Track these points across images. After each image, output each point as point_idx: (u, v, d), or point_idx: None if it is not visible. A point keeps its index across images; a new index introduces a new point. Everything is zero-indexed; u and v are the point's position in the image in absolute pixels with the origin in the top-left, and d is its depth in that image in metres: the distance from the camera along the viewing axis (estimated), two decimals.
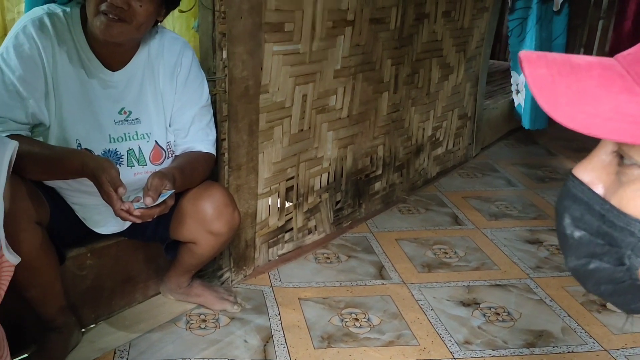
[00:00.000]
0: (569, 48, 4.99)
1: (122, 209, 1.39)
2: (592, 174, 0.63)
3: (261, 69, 2.02)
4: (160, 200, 1.41)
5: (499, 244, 2.58)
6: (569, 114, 0.55)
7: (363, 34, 2.48)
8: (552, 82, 0.57)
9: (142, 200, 1.43)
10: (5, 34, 4.02)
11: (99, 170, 1.38)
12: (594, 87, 0.56)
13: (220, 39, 1.86)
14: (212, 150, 1.73)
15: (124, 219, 1.42)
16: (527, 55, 0.60)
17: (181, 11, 1.84)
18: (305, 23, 2.15)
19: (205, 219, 1.63)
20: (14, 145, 1.23)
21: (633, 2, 4.36)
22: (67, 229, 1.61)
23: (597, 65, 0.58)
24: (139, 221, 1.42)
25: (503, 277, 2.30)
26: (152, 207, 1.41)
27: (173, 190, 1.43)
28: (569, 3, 3.69)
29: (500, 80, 4.85)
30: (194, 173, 1.63)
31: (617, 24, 4.59)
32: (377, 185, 2.90)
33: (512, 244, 2.58)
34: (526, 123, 3.42)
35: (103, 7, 1.44)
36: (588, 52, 5.25)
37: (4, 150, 1.21)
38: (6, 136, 1.43)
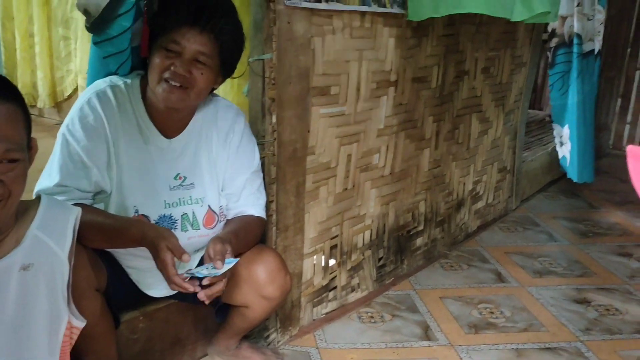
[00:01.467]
0: (606, 98, 4.97)
1: (175, 278, 1.41)
2: None
3: (308, 131, 2.06)
4: (226, 268, 1.43)
5: (545, 303, 2.53)
6: None
7: (405, 93, 2.52)
8: None
9: (205, 266, 1.45)
10: (54, 91, 4.18)
11: (159, 239, 1.42)
12: None
13: (269, 104, 1.91)
14: (263, 214, 1.76)
15: (177, 288, 1.44)
16: (634, 150, 0.61)
17: (232, 77, 1.90)
18: (350, 86, 2.19)
19: (259, 283, 1.64)
20: (77, 211, 1.28)
21: None
22: (122, 292, 1.64)
23: None
24: (194, 290, 1.43)
25: (552, 339, 2.25)
26: (216, 277, 1.43)
27: (237, 260, 1.45)
28: (601, 55, 3.69)
29: (537, 130, 4.84)
30: (247, 237, 1.66)
31: None
32: (419, 241, 2.89)
33: (559, 304, 2.53)
34: (573, 176, 3.38)
35: (166, 74, 1.50)
36: (625, 102, 5.23)
37: (69, 215, 1.26)
38: (73, 204, 1.49)
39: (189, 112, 1.66)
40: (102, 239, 1.46)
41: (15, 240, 1.16)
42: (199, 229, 1.67)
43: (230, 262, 1.44)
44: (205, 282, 1.44)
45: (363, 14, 2.16)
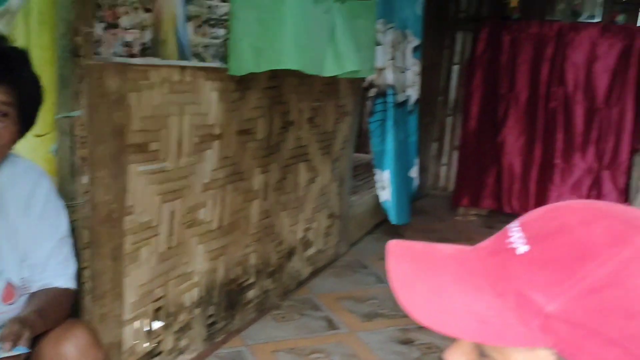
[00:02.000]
0: (423, 143, 5.35)
1: None
2: (460, 359, 0.65)
3: (125, 190, 1.95)
4: (14, 352, 1.28)
5: (373, 347, 2.61)
6: (425, 311, 0.57)
7: (231, 145, 2.50)
8: (412, 279, 0.59)
9: None
10: None
11: None
12: (450, 283, 0.59)
13: (80, 164, 1.78)
14: (72, 284, 1.61)
15: None
16: (393, 247, 0.62)
17: (37, 135, 1.75)
18: (171, 141, 2.13)
19: None
20: None
21: (475, 104, 4.79)
22: None
23: (455, 259, 0.61)
24: None
25: None
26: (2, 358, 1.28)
27: (28, 350, 1.30)
28: (419, 103, 3.99)
29: (364, 174, 5.06)
30: (55, 313, 1.51)
31: (464, 121, 5.00)
32: (251, 294, 2.85)
33: (386, 347, 2.62)
34: (393, 218, 3.57)
35: None
36: (440, 145, 5.66)
37: None
38: None
39: None
40: None
41: None
42: None
43: (17, 350, 1.30)
44: None
45: (183, 68, 2.12)
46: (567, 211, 0.60)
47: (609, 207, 0.60)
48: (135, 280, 2.06)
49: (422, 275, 0.60)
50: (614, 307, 0.52)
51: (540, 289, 0.54)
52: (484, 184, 4.77)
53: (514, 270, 0.57)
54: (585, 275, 0.53)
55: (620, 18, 4.49)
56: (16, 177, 1.55)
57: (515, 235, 0.59)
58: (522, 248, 0.57)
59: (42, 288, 1.56)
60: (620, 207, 0.60)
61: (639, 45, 4.28)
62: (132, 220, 2.00)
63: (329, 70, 2.38)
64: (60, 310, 1.54)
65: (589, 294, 0.53)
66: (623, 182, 4.38)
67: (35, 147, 1.93)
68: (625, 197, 4.35)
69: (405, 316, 2.37)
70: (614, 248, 0.54)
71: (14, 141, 1.48)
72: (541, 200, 4.61)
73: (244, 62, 2.26)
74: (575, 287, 0.53)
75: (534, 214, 0.62)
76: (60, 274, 1.59)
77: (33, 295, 1.55)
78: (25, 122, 1.49)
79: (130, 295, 2.05)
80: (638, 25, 4.50)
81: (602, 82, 4.37)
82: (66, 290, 1.59)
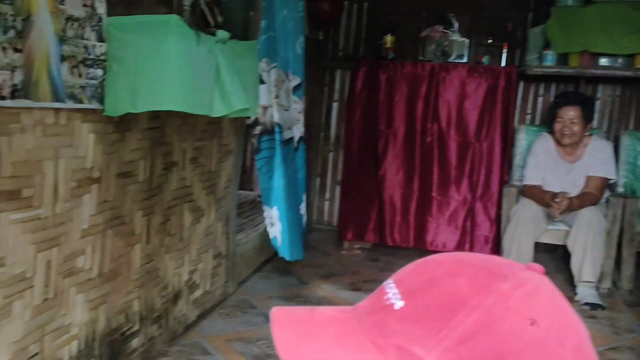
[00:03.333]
0: (308, 179, 5.44)
1: None
2: None
3: None
4: None
5: None
6: None
7: (110, 189, 2.41)
8: (296, 344, 0.61)
9: None
10: None
11: None
12: (332, 345, 0.60)
13: None
14: None
15: None
16: (276, 315, 0.63)
17: None
18: (46, 186, 2.02)
19: None
20: None
21: (355, 140, 4.95)
22: None
23: (336, 320, 0.63)
24: None
25: None
26: None
27: None
28: (304, 141, 4.06)
29: (249, 211, 5.04)
30: None
31: (345, 157, 5.14)
32: (135, 342, 2.73)
33: None
34: (285, 254, 3.57)
35: None
36: (323, 180, 5.77)
37: None
38: None
39: None
40: None
41: None
42: None
43: None
44: None
45: (57, 110, 2.03)
46: (434, 265, 0.64)
47: (472, 258, 0.65)
48: (8, 337, 1.92)
49: (306, 340, 0.61)
50: (485, 352, 0.55)
51: (418, 342, 0.57)
52: (367, 217, 4.90)
53: (392, 325, 0.59)
54: (456, 325, 0.56)
55: (485, 59, 4.85)
56: None
57: (391, 291, 0.62)
58: (398, 304, 0.60)
59: None
60: (482, 257, 0.65)
61: (502, 84, 4.63)
62: (3, 272, 1.87)
63: (218, 110, 2.37)
64: None
65: (461, 342, 0.56)
66: (494, 212, 4.67)
67: None
68: (496, 226, 4.64)
69: None
70: (478, 297, 0.58)
71: None
72: (421, 233, 4.81)
73: (120, 103, 2.19)
74: (448, 337, 0.56)
75: (406, 270, 0.66)
76: None
77: None
78: None
79: (2, 354, 1.89)
80: (502, 65, 4.86)
81: (472, 118, 4.66)
82: None
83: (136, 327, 2.73)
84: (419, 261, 0.66)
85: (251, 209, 5.13)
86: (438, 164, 4.73)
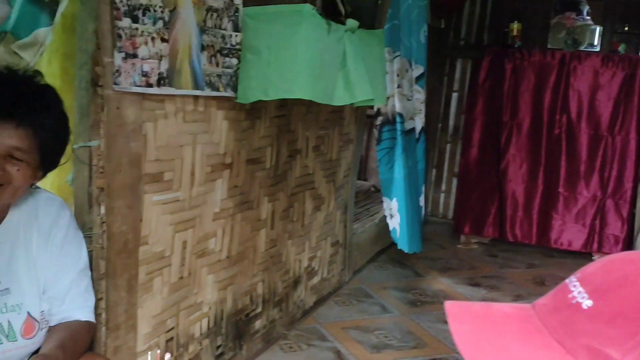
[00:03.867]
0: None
1: None
2: None
3: (141, 220, 1.94)
4: None
5: None
6: None
7: (240, 175, 2.49)
8: (477, 339, 0.59)
9: None
10: None
11: None
12: (515, 342, 0.58)
13: (97, 194, 1.77)
14: (91, 317, 1.59)
15: None
16: (452, 309, 0.62)
17: None
18: (184, 170, 2.12)
19: None
20: None
21: (476, 131, 4.81)
22: None
23: (516, 318, 0.61)
24: None
25: None
26: None
27: None
28: (424, 132, 4.00)
29: (364, 201, 5.05)
30: (75, 348, 1.48)
31: (464, 149, 5.01)
32: (258, 324, 2.82)
33: None
34: (404, 247, 3.54)
35: None
36: (439, 172, 5.67)
37: None
38: None
39: (2, 208, 1.48)
40: None
41: None
42: (16, 341, 1.46)
43: None
44: None
45: (196, 97, 2.12)
46: (622, 263, 0.61)
47: None
48: (148, 311, 2.04)
49: (486, 336, 0.59)
50: None
51: (613, 344, 0.54)
52: (486, 211, 4.76)
53: (581, 325, 0.57)
54: None
55: (621, 47, 4.55)
56: (37, 210, 1.54)
57: (576, 290, 0.60)
58: (586, 303, 0.58)
59: (61, 321, 1.54)
60: None
61: None
62: (146, 250, 1.98)
63: (340, 99, 2.39)
64: (81, 344, 1.52)
65: None
66: (627, 210, 4.39)
67: (52, 177, 1.92)
68: (628, 226, 4.36)
69: (414, 347, 2.37)
70: None
71: (31, 182, 1.47)
72: (544, 229, 4.61)
73: (253, 91, 2.26)
74: None
75: (591, 268, 0.63)
76: (79, 306, 1.56)
77: (53, 328, 1.52)
78: (46, 164, 1.47)
79: (144, 327, 2.02)
80: None
81: (605, 110, 4.39)
82: (86, 323, 1.56)
83: (259, 310, 2.82)
84: (604, 259, 0.63)
85: (366, 199, 5.14)
86: (566, 158, 4.51)
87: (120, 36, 1.71)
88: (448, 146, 5.62)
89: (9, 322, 1.46)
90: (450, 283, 3.95)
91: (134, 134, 1.85)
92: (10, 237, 1.49)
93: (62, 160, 1.76)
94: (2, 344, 1.45)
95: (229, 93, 2.27)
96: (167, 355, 2.18)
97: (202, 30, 2.08)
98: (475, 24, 5.41)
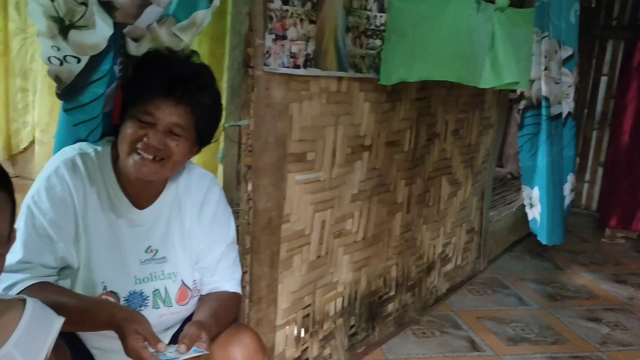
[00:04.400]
0: None
1: None
2: None
3: (284, 199, 1.99)
4: (190, 354, 1.32)
5: None
6: None
7: (379, 157, 2.48)
8: None
9: (172, 347, 1.33)
10: (9, 143, 4.01)
11: (128, 322, 1.30)
12: None
13: (245, 172, 1.83)
14: (239, 289, 1.66)
15: None
16: None
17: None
18: (326, 151, 2.14)
19: None
20: (59, 324, 1.16)
21: (628, 117, 4.46)
22: None
23: None
24: None
25: None
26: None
27: (205, 352, 1.34)
28: (573, 117, 3.76)
29: (500, 188, 4.86)
30: (226, 317, 1.55)
31: (613, 136, 4.67)
32: (390, 307, 2.81)
33: None
34: (543, 238, 3.37)
35: (139, 146, 1.41)
36: (583, 161, 5.33)
37: (49, 332, 1.13)
38: (36, 283, 1.36)
39: (161, 181, 1.57)
40: (68, 323, 1.33)
41: None
42: (171, 306, 1.56)
43: (196, 352, 1.33)
44: None
45: (340, 79, 2.13)
46: None
47: None
48: (288, 287, 2.09)
49: None
50: None
51: None
52: (635, 204, 4.42)
53: None
54: None
55: None
56: (191, 184, 1.62)
57: None
58: None
59: (211, 291, 1.62)
60: None
61: None
62: (288, 228, 2.03)
63: (486, 81, 2.30)
64: (230, 314, 1.59)
65: None
66: None
67: (203, 154, 2.02)
68: None
69: (554, 342, 2.24)
70: None
71: (188, 157, 1.54)
72: None
73: (395, 72, 2.23)
74: None
75: None
76: (228, 278, 1.63)
77: (204, 298, 1.60)
78: (202, 140, 1.54)
79: (283, 302, 2.08)
80: None
81: None
82: (234, 294, 1.63)
83: (392, 293, 2.81)
84: None
85: (502, 186, 4.95)
86: None
87: (271, 18, 1.76)
88: (594, 133, 5.27)
89: (165, 288, 1.55)
90: (593, 278, 3.72)
91: (280, 114, 1.89)
92: (167, 209, 1.58)
93: (214, 138, 1.84)
94: (159, 308, 1.54)
95: (372, 74, 2.26)
96: (305, 331, 2.24)
97: (348, 11, 2.08)
98: (630, 2, 4.99)
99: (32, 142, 3.76)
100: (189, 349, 1.32)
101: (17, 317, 1.08)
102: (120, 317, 1.33)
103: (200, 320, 1.42)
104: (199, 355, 1.32)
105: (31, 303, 1.12)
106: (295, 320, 2.18)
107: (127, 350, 1.32)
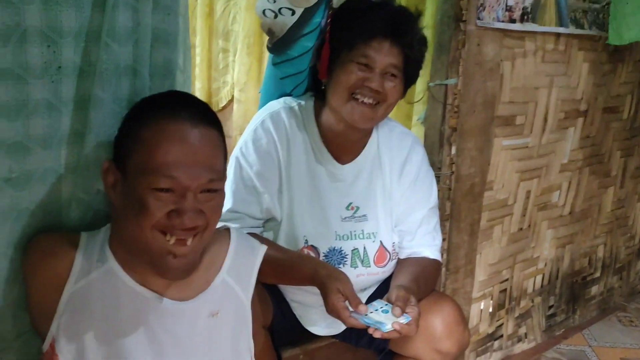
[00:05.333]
0: None
1: (352, 320, 1.27)
2: None
3: (488, 164, 1.86)
4: (402, 320, 1.26)
5: None
6: None
7: (594, 124, 2.24)
8: None
9: (379, 304, 1.29)
10: (209, 102, 4.27)
11: (331, 280, 1.29)
12: None
13: (449, 134, 1.74)
14: (438, 256, 1.58)
15: (355, 327, 1.29)
16: None
17: (409, 102, 1.75)
18: (537, 115, 1.97)
19: (434, 336, 1.46)
20: (262, 251, 1.18)
21: None
22: (284, 328, 1.54)
23: None
24: (377, 335, 1.28)
25: None
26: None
27: (410, 318, 1.28)
28: None
29: None
30: (426, 285, 1.49)
31: None
32: (594, 290, 2.57)
33: None
34: None
35: (357, 91, 1.38)
36: None
37: (256, 257, 1.16)
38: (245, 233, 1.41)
39: (365, 135, 1.53)
40: (273, 275, 1.35)
41: (205, 281, 1.08)
42: (369, 267, 1.52)
43: (406, 319, 1.27)
44: (376, 335, 1.28)
45: (557, 35, 1.93)
46: None
47: None
48: (486, 258, 1.98)
49: None
50: None
51: None
52: None
53: None
54: None
55: None
56: (392, 142, 1.56)
57: None
58: None
59: (410, 256, 1.56)
60: None
61: None
62: (490, 196, 1.91)
63: None
64: (430, 282, 1.52)
65: None
66: None
67: (405, 114, 1.95)
68: None
69: None
70: None
71: (399, 99, 1.48)
72: None
73: (629, 30, 1.97)
74: None
75: None
76: (428, 244, 1.56)
77: (404, 262, 1.55)
78: (406, 85, 1.47)
79: (480, 274, 1.97)
80: None
81: None
82: (435, 261, 1.56)
83: (597, 274, 2.56)
84: None
85: None
86: None
87: None
88: None
89: (364, 247, 1.52)
90: None
91: (491, 73, 1.76)
92: (369, 166, 1.54)
93: (418, 97, 1.76)
94: (357, 267, 1.52)
95: (594, 31, 2.03)
96: (501, 307, 2.12)
97: None
98: None
99: (231, 101, 3.98)
100: (403, 311, 1.26)
101: (225, 245, 1.11)
102: (324, 274, 1.32)
103: (404, 284, 1.37)
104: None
105: (235, 232, 1.16)
106: (491, 294, 2.06)
107: (328, 308, 1.31)
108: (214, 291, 1.07)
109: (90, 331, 1.00)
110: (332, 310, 1.30)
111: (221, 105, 4.11)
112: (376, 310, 1.29)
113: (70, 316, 0.99)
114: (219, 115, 1.05)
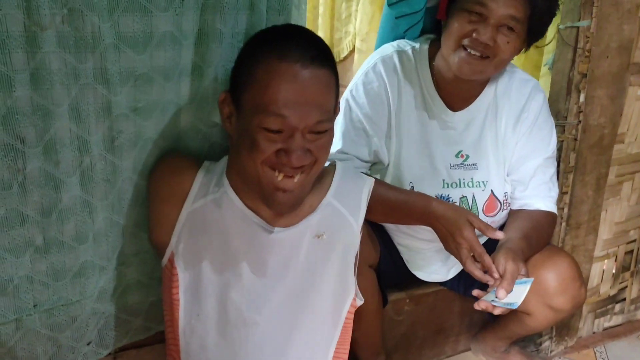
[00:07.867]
0: None
1: (469, 264, 1.25)
2: None
3: (620, 115, 1.73)
4: (523, 285, 1.22)
5: None
6: None
7: None
8: None
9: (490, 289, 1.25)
10: (331, 52, 4.25)
11: (458, 213, 1.27)
12: None
13: (578, 80, 1.63)
14: (554, 209, 1.50)
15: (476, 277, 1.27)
16: None
17: (536, 46, 1.65)
18: None
19: (547, 292, 1.41)
20: (371, 182, 1.20)
21: None
22: (390, 270, 1.55)
23: None
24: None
25: None
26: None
27: (531, 280, 1.23)
28: None
29: None
30: (539, 240, 1.42)
31: None
32: None
33: None
34: None
35: (466, 41, 1.32)
36: None
37: (363, 185, 1.19)
38: None
39: (479, 84, 1.47)
40: (382, 212, 1.34)
41: (310, 206, 1.11)
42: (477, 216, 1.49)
43: (527, 283, 1.22)
44: (496, 312, 1.24)
45: None
46: None
47: None
48: (612, 216, 1.86)
49: None
50: None
51: None
52: None
53: None
54: None
55: None
56: (512, 88, 1.49)
57: None
58: None
59: (522, 207, 1.50)
60: None
61: None
62: (620, 150, 1.78)
63: None
64: (544, 237, 1.46)
65: None
66: None
67: (530, 59, 1.86)
68: None
69: None
70: None
71: (514, 54, 1.40)
72: None
73: None
74: None
75: None
76: (542, 195, 1.49)
77: (515, 214, 1.49)
78: (530, 37, 1.38)
79: (604, 232, 1.86)
80: None
81: None
82: (549, 214, 1.49)
83: None
84: None
85: None
86: None
87: None
88: None
89: (473, 196, 1.48)
90: None
91: (629, 15, 1.62)
92: (482, 114, 1.49)
93: (545, 41, 1.66)
94: None
95: None
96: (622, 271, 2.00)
97: None
98: None
99: (352, 51, 3.96)
100: (508, 292, 1.21)
101: (331, 176, 1.17)
102: (440, 210, 1.29)
103: (511, 248, 1.30)
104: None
105: (341, 164, 1.21)
106: (615, 255, 1.94)
107: (453, 245, 1.28)
108: (319, 214, 1.10)
109: (206, 257, 1.07)
110: (462, 244, 1.26)
111: (342, 55, 4.10)
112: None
113: (188, 234, 1.07)
114: (340, 66, 1.06)
